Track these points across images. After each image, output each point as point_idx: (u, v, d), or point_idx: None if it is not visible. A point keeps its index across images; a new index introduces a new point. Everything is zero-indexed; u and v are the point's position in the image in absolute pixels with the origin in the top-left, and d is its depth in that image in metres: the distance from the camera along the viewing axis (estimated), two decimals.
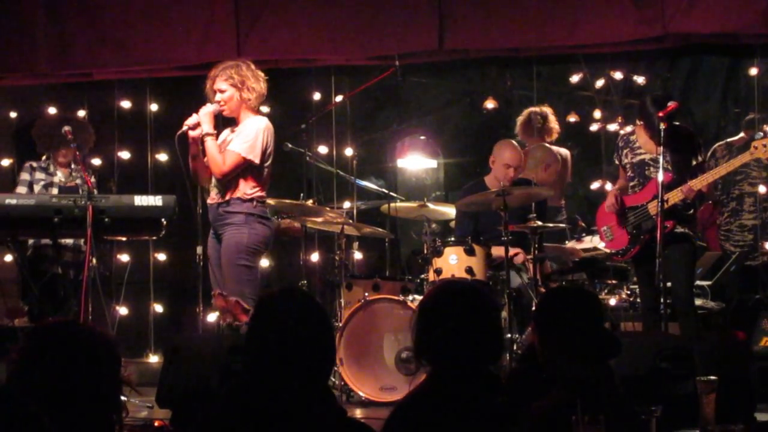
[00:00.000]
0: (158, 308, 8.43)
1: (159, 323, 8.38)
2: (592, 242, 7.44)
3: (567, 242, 7.73)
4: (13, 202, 6.11)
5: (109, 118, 8.51)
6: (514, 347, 6.36)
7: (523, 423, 3.18)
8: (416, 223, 7.89)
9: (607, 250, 6.79)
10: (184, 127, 6.16)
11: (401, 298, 6.53)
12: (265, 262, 7.96)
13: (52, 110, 8.30)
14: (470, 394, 3.08)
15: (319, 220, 7.09)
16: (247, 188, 6.16)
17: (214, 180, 6.25)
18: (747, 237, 8.12)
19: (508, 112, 8.14)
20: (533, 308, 6.15)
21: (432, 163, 8.92)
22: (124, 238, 7.01)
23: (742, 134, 8.13)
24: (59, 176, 7.21)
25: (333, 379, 6.40)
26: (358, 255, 7.78)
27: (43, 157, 7.27)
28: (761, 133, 7.67)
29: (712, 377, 4.04)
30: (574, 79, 8.65)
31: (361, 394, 6.36)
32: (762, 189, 8.05)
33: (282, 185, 7.54)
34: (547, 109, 8.05)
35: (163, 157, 8.28)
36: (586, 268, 7.07)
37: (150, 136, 8.35)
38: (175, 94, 8.25)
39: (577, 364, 3.50)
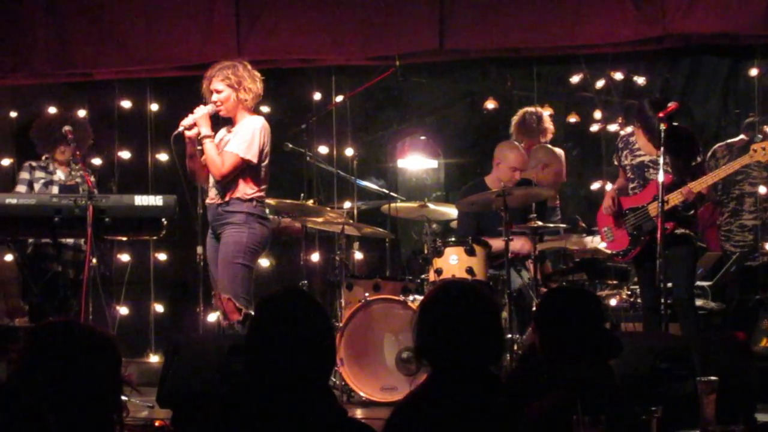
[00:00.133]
0: (159, 308, 8.43)
1: (159, 323, 8.37)
2: (593, 242, 7.45)
3: (567, 242, 7.73)
4: (14, 201, 6.11)
5: (109, 117, 8.51)
6: (515, 348, 6.36)
7: (524, 423, 3.18)
8: (417, 224, 7.90)
9: (608, 251, 6.79)
10: (180, 128, 6.16)
11: (402, 298, 6.53)
12: (265, 262, 7.97)
13: (52, 110, 8.29)
14: (471, 394, 3.08)
15: (320, 220, 7.09)
16: (246, 188, 6.17)
17: (212, 180, 6.25)
18: (747, 237, 8.12)
19: (509, 113, 8.13)
20: (534, 308, 6.16)
21: (432, 164, 8.92)
22: (124, 238, 7.01)
23: (742, 136, 8.13)
24: (59, 175, 7.21)
25: (333, 379, 6.40)
26: (358, 255, 7.78)
27: (43, 157, 7.27)
28: (760, 136, 7.67)
29: (713, 378, 4.04)
30: (575, 79, 8.65)
31: (361, 394, 6.36)
32: (762, 189, 8.05)
33: (283, 185, 7.54)
34: (542, 110, 8.04)
35: (163, 157, 8.28)
36: (587, 269, 7.07)
37: (150, 135, 8.35)
38: (176, 93, 8.25)
39: (578, 365, 3.50)
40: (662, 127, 5.96)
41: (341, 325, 6.45)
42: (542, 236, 6.96)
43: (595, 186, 8.66)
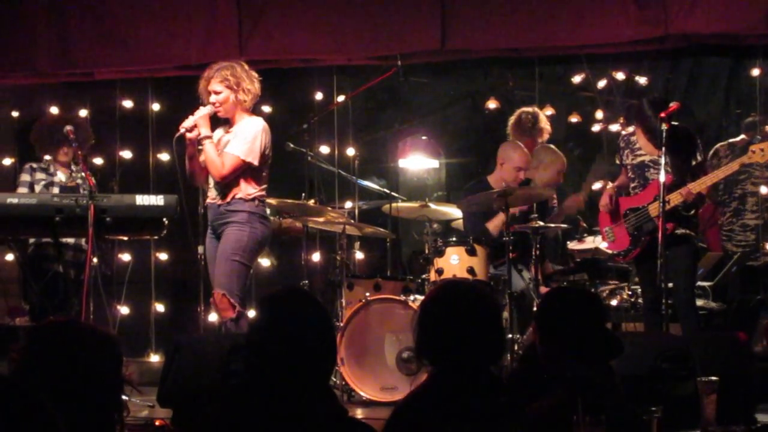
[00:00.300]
0: (159, 308, 8.43)
1: (160, 322, 8.38)
2: (594, 242, 7.45)
3: (568, 243, 7.73)
4: (15, 201, 6.10)
5: (110, 117, 8.50)
6: (516, 347, 6.36)
7: (524, 423, 3.18)
8: (418, 223, 7.89)
9: (609, 251, 6.80)
10: (181, 130, 6.15)
11: (402, 298, 6.53)
12: (266, 262, 7.97)
13: (53, 110, 8.30)
14: (471, 394, 3.08)
15: (321, 219, 7.09)
16: (249, 188, 6.17)
17: (212, 180, 6.24)
18: (749, 237, 8.12)
19: (510, 113, 8.12)
20: (534, 309, 6.16)
21: (433, 163, 8.91)
22: (125, 238, 7.00)
23: (743, 136, 8.13)
24: (60, 176, 7.20)
25: (334, 379, 6.40)
26: (359, 255, 7.78)
27: (45, 157, 7.26)
28: (759, 137, 7.66)
29: (713, 378, 4.04)
30: (576, 79, 8.65)
31: (362, 393, 6.36)
32: (764, 189, 8.04)
33: (284, 185, 7.54)
34: (540, 110, 8.04)
35: (164, 156, 8.28)
36: (588, 269, 7.07)
37: (152, 135, 8.35)
38: (177, 93, 8.24)
39: (579, 365, 3.49)
40: (664, 127, 5.96)
41: (342, 324, 6.45)
42: (543, 236, 6.96)
43: (596, 186, 8.66)
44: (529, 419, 3.23)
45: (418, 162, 8.54)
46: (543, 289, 6.60)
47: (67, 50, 7.77)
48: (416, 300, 6.41)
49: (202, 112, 6.16)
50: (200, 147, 6.18)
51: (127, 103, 8.52)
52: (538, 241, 6.67)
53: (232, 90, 6.17)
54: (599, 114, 8.89)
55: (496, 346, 3.30)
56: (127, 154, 8.58)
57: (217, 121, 6.35)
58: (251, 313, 6.23)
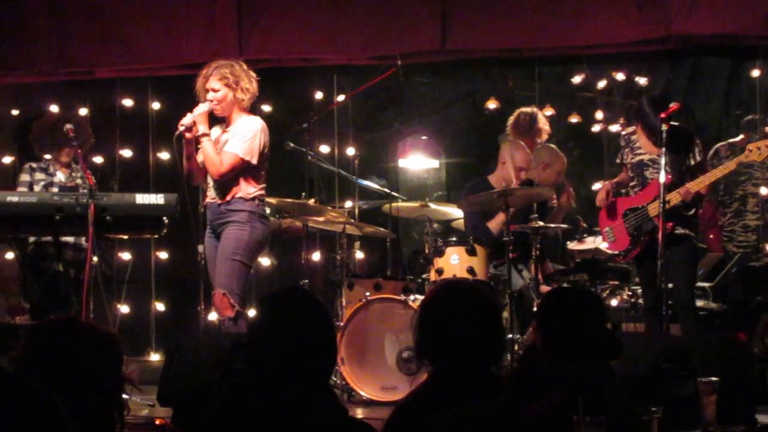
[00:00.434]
0: (160, 306, 8.43)
1: (160, 321, 8.38)
2: (594, 243, 7.45)
3: (569, 243, 7.73)
4: (15, 199, 6.11)
5: (110, 116, 8.50)
6: (516, 347, 6.36)
7: (524, 423, 3.18)
8: (418, 223, 7.91)
9: (609, 251, 6.80)
10: (181, 128, 6.13)
11: (402, 297, 6.53)
12: (266, 262, 7.97)
13: (53, 108, 8.30)
14: (471, 394, 3.08)
15: (321, 219, 7.09)
16: (248, 187, 6.16)
17: (211, 180, 6.23)
18: (751, 238, 8.12)
19: (510, 113, 8.12)
20: (534, 309, 6.16)
21: (434, 163, 8.91)
22: (125, 237, 7.00)
23: (742, 136, 8.13)
24: (59, 176, 7.20)
25: (334, 379, 6.40)
26: (359, 254, 7.78)
27: (46, 156, 7.26)
28: (757, 136, 7.66)
29: (713, 378, 4.04)
30: (576, 80, 8.66)
31: (362, 393, 6.36)
32: (764, 190, 8.05)
33: (284, 184, 7.54)
34: (539, 110, 8.04)
35: (164, 155, 8.28)
36: (588, 269, 7.07)
37: (152, 134, 8.35)
38: (177, 92, 8.22)
39: (579, 365, 3.49)
40: (664, 128, 5.97)
41: (342, 324, 6.45)
42: (544, 236, 6.96)
43: (597, 186, 8.66)
44: (529, 419, 3.23)
45: (418, 162, 8.54)
46: (544, 289, 6.61)
47: (68, 49, 7.78)
48: (416, 300, 6.41)
49: (201, 110, 6.13)
50: (198, 146, 6.16)
51: (128, 102, 8.52)
52: (538, 241, 6.66)
53: (231, 88, 6.15)
54: (599, 114, 8.89)
55: (496, 346, 3.30)
56: (127, 153, 8.58)
57: (213, 120, 6.33)
58: (251, 313, 6.23)
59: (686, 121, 7.15)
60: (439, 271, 6.63)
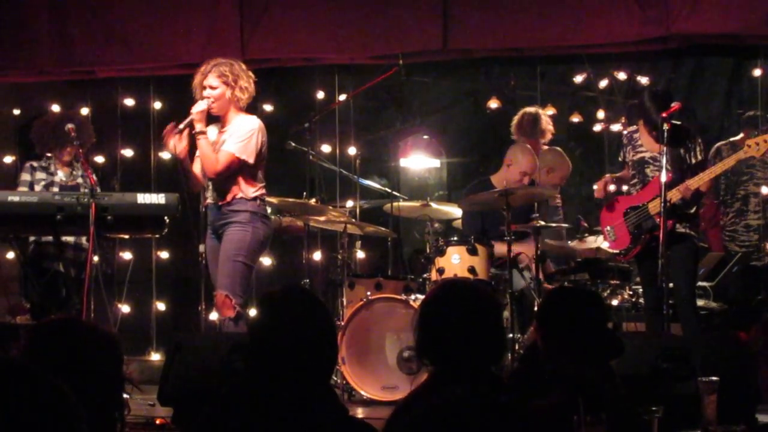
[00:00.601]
0: (160, 306, 8.43)
1: (161, 321, 8.38)
2: (596, 242, 7.45)
3: (569, 242, 7.73)
4: (16, 199, 6.11)
5: (112, 115, 8.50)
6: (516, 347, 6.36)
7: (524, 423, 3.18)
8: (419, 223, 7.89)
9: (611, 250, 6.80)
10: (180, 126, 6.10)
11: (403, 297, 6.53)
12: (267, 261, 7.97)
13: (55, 108, 8.30)
14: (471, 394, 3.07)
15: (322, 218, 7.09)
16: (248, 188, 6.14)
17: (210, 182, 6.21)
18: (752, 237, 8.13)
19: (512, 112, 8.13)
20: (535, 308, 6.16)
21: (435, 163, 8.92)
22: (126, 236, 7.01)
23: (742, 134, 8.13)
24: (60, 176, 7.20)
25: (335, 378, 6.40)
26: (360, 254, 7.78)
27: (47, 155, 7.26)
28: (756, 132, 7.66)
29: (714, 378, 4.04)
30: (578, 79, 8.65)
31: (362, 393, 6.36)
32: (765, 190, 8.04)
33: (285, 184, 7.54)
34: (541, 110, 8.04)
35: (166, 155, 8.27)
36: (589, 269, 7.06)
37: (153, 134, 8.34)
38: (179, 92, 8.21)
39: (579, 364, 3.49)
40: (665, 127, 5.97)
41: (343, 323, 6.45)
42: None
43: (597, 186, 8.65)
44: (530, 419, 3.23)
45: (419, 161, 8.54)
46: (547, 286, 6.62)
47: (69, 48, 7.77)
48: (417, 299, 6.41)
49: (200, 107, 6.09)
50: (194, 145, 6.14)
51: (129, 102, 8.52)
52: (539, 240, 6.66)
53: (229, 86, 6.12)
54: (601, 114, 8.88)
55: (496, 345, 3.30)
56: (128, 153, 8.58)
57: (209, 119, 6.30)
58: (252, 312, 6.23)
59: (687, 121, 7.14)
60: (440, 271, 6.62)
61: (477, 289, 3.42)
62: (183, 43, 7.62)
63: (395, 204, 7.26)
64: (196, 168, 6.24)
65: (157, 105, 8.43)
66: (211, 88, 6.12)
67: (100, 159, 8.36)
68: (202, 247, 6.56)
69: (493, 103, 8.95)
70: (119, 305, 7.87)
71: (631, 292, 7.19)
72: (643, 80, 8.55)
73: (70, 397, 1.81)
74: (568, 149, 8.40)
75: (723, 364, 4.88)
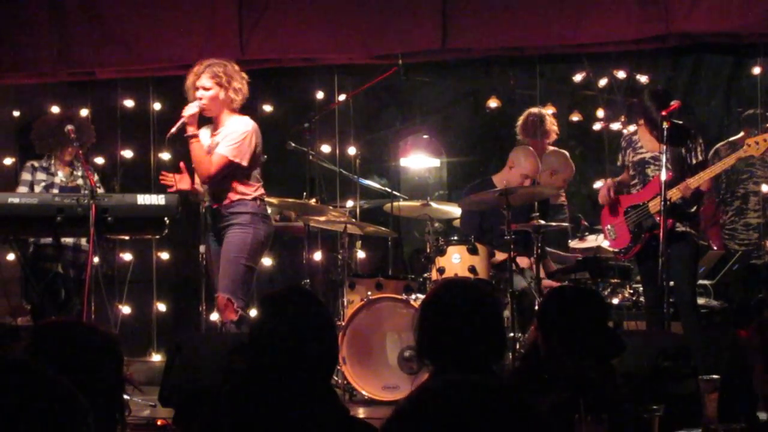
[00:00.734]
0: (161, 307, 8.43)
1: (162, 322, 8.37)
2: (596, 241, 7.45)
3: (570, 241, 7.73)
4: (16, 200, 6.11)
5: (112, 117, 8.50)
6: (517, 346, 6.36)
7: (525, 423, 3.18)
8: (419, 222, 7.89)
9: (611, 249, 6.80)
10: (173, 130, 6.09)
11: (404, 297, 6.53)
12: (267, 261, 7.96)
13: (55, 109, 8.30)
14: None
15: (322, 219, 7.09)
16: (248, 189, 6.13)
17: (208, 185, 6.19)
18: (752, 236, 8.12)
19: (511, 112, 8.13)
20: (536, 307, 6.16)
21: (435, 162, 8.92)
22: (126, 237, 7.01)
23: (742, 133, 8.12)
24: (60, 176, 7.20)
25: (336, 378, 6.39)
26: (360, 254, 7.78)
27: (46, 155, 7.26)
28: (756, 131, 7.66)
29: (715, 376, 4.03)
30: (578, 78, 8.65)
31: (363, 392, 6.36)
32: (765, 188, 8.04)
33: (285, 184, 7.54)
34: (546, 111, 8.04)
35: (165, 156, 8.27)
36: (589, 267, 7.06)
37: (153, 135, 8.34)
38: (178, 92, 8.21)
39: (580, 363, 3.49)
40: (665, 125, 5.97)
41: (343, 323, 6.45)
42: (545, 235, 6.96)
43: (598, 184, 8.65)
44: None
45: (419, 161, 8.55)
46: (547, 283, 6.61)
47: (69, 50, 7.77)
48: (418, 299, 6.41)
49: (190, 110, 6.07)
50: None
51: (129, 103, 8.52)
52: (539, 239, 6.66)
53: (222, 87, 6.10)
54: (600, 112, 8.88)
55: (497, 345, 3.30)
56: (128, 154, 8.58)
57: (202, 121, 6.29)
58: (253, 313, 6.23)
59: (687, 119, 7.14)
60: (441, 270, 6.62)
61: (477, 289, 3.43)
62: (182, 43, 7.61)
63: (395, 204, 7.26)
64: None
65: (157, 106, 8.43)
66: (204, 89, 6.09)
67: (100, 160, 8.36)
68: (202, 248, 6.57)
69: (493, 103, 8.94)
70: (120, 306, 7.87)
71: (631, 291, 7.19)
72: (643, 79, 8.55)
73: (74, 392, 1.81)
74: (568, 148, 8.41)
75: (723, 362, 4.88)
